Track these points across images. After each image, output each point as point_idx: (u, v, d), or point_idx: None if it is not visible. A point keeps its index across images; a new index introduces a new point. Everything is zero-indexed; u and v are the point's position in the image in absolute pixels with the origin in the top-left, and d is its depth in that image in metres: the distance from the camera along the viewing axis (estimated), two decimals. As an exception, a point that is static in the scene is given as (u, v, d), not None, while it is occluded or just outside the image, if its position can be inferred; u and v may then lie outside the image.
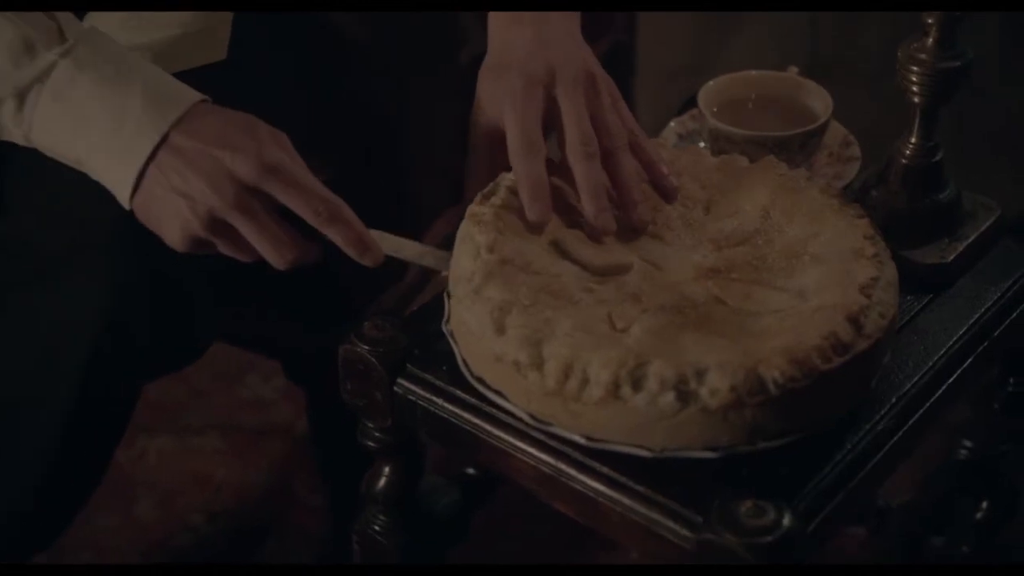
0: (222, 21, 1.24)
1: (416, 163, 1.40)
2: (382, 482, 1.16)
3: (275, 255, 1.05)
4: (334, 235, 1.06)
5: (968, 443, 1.29)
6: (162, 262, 1.13)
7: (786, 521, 0.91)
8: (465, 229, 1.05)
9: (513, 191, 1.07)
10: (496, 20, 1.19)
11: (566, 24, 1.18)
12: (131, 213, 1.09)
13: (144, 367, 1.18)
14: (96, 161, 1.07)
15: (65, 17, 1.08)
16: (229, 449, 1.73)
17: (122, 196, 1.07)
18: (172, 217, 1.05)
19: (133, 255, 1.12)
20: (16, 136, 1.09)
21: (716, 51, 1.86)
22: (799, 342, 0.95)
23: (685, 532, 0.94)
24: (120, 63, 1.07)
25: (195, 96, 1.07)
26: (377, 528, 1.18)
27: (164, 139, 1.05)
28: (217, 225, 1.05)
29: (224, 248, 1.07)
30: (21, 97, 1.07)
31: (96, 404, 1.17)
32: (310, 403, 1.44)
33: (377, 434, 1.12)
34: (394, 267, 1.15)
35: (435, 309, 1.09)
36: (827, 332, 0.96)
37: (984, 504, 1.33)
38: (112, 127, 1.05)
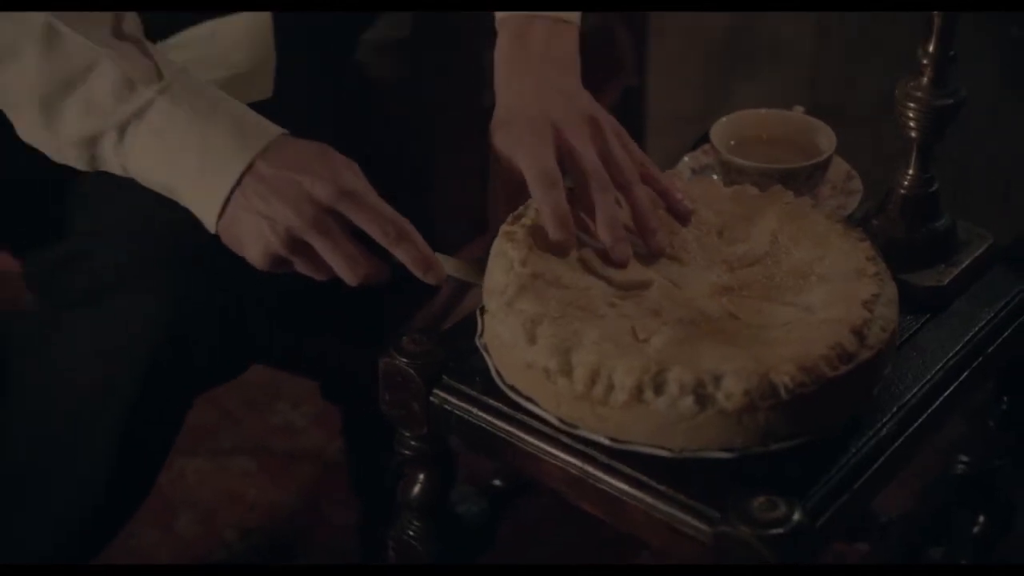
0: (268, 63, 1.33)
1: (441, 198, 1.48)
2: (416, 489, 1.22)
3: (348, 272, 1.13)
4: (401, 254, 1.13)
5: (965, 458, 1.36)
6: (219, 278, 1.21)
7: (796, 516, 0.98)
8: (498, 246, 1.13)
9: None
10: (500, 77, 1.28)
11: (565, 76, 1.26)
12: (190, 231, 1.16)
13: (198, 379, 1.25)
14: (186, 188, 1.16)
15: (160, 56, 1.17)
16: (260, 471, 1.81)
17: (208, 220, 1.15)
18: (255, 237, 1.13)
19: (193, 271, 1.20)
20: (114, 166, 1.17)
21: (722, 99, 1.94)
22: (807, 351, 1.03)
23: (703, 527, 1.01)
24: (209, 100, 1.16)
25: (277, 129, 1.16)
26: (411, 534, 1.24)
27: (249, 167, 1.13)
28: (296, 244, 1.13)
29: (301, 266, 1.15)
30: (122, 130, 1.15)
31: (152, 414, 1.24)
32: (345, 421, 1.52)
33: (413, 443, 1.19)
34: (429, 288, 1.22)
35: (468, 326, 1.16)
36: (833, 342, 1.04)
37: (981, 518, 1.40)
38: (202, 157, 1.14)
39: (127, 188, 1.19)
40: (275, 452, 1.84)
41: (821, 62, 2.23)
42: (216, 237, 1.16)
